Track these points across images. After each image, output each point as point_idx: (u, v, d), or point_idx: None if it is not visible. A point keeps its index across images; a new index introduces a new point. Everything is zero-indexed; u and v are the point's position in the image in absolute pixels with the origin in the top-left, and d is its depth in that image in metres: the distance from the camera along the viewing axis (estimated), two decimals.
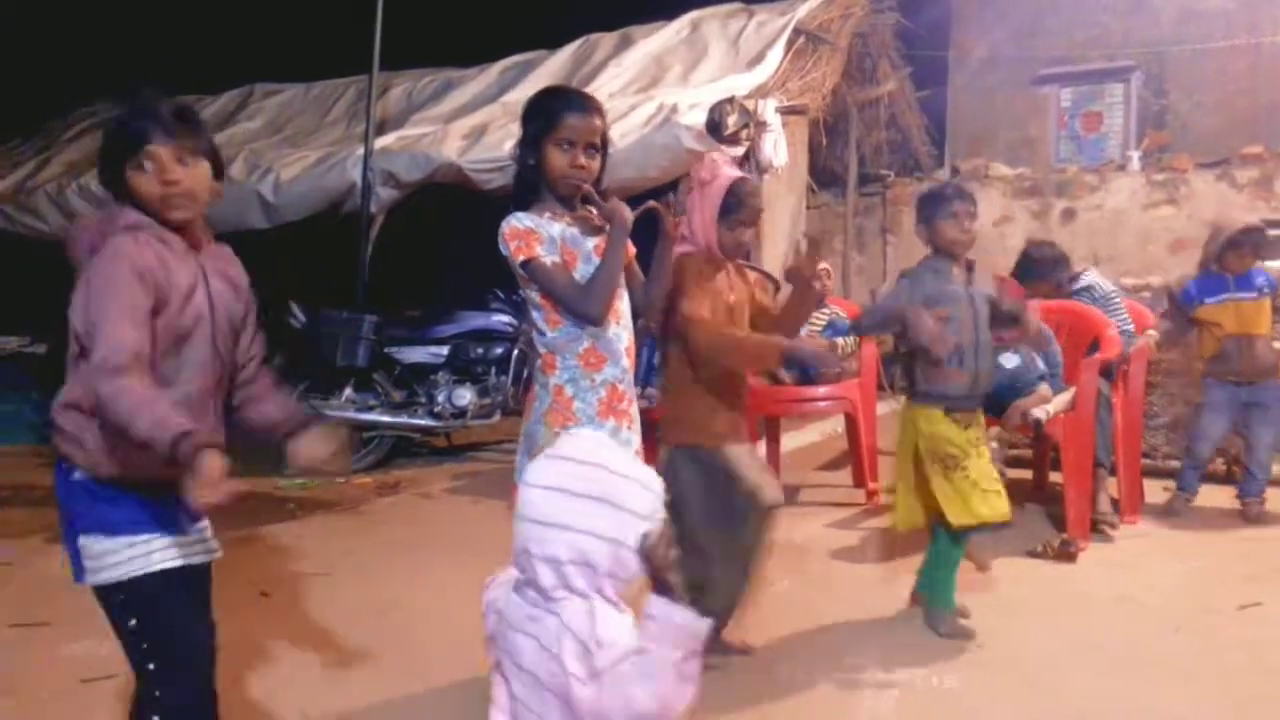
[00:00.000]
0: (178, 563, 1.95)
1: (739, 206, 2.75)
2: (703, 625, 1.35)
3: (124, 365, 1.76)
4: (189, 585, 2.00)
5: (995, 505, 3.14)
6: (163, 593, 1.93)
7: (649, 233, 2.48)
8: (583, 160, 2.38)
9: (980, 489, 3.13)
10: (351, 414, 5.94)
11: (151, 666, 1.94)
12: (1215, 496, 4.92)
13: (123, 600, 1.92)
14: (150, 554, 1.92)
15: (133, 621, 1.93)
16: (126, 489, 1.90)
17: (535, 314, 2.44)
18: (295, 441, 2.06)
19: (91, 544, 1.90)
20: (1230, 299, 4.50)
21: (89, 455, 1.88)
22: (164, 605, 1.94)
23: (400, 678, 3.01)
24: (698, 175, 2.83)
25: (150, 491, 1.92)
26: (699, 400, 2.82)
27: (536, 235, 2.34)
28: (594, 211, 2.41)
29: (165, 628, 1.95)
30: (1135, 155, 9.24)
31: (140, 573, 1.90)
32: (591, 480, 1.37)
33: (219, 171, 1.98)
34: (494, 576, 1.55)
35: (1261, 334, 4.48)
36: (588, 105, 2.41)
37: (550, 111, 2.38)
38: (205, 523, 2.07)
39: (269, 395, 2.14)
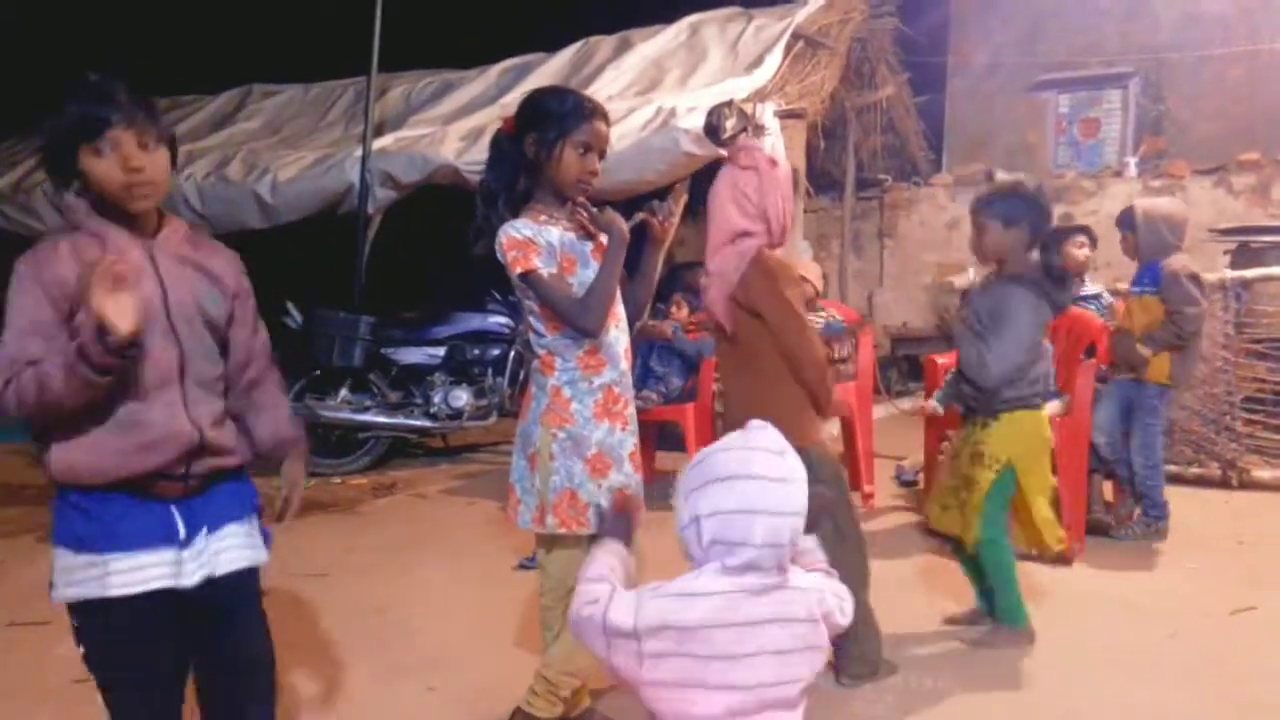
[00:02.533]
0: (138, 589, 1.76)
1: (798, 188, 2.80)
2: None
3: (14, 374, 1.68)
4: (154, 612, 1.79)
5: None
6: (112, 622, 1.77)
7: (636, 235, 2.48)
8: (596, 166, 2.39)
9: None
10: (347, 415, 5.94)
11: (102, 698, 1.83)
12: (1208, 500, 4.93)
13: (76, 624, 1.79)
14: (106, 577, 1.75)
15: (82, 648, 1.80)
16: (100, 496, 1.76)
17: (534, 320, 2.43)
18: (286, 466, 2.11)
19: (57, 557, 1.78)
20: (1137, 290, 4.36)
21: (47, 461, 1.77)
22: (112, 635, 1.78)
23: (397, 677, 3.01)
24: (756, 162, 2.76)
25: (130, 494, 1.77)
26: (793, 398, 2.76)
27: (535, 246, 2.32)
28: (585, 215, 2.41)
29: (113, 660, 1.81)
30: (1133, 161, 9.25)
31: (93, 596, 1.75)
32: (784, 466, 1.45)
33: (174, 160, 1.87)
34: (614, 603, 1.48)
35: (1130, 329, 4.30)
36: (606, 113, 2.42)
37: (576, 113, 2.36)
38: (206, 535, 1.87)
39: (266, 409, 2.05)
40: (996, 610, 3.27)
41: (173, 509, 1.82)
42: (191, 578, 1.82)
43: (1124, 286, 5.43)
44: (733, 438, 1.48)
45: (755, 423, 1.50)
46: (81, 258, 1.74)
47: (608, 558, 1.60)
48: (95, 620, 1.78)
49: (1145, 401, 4.28)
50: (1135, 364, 4.25)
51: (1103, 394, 4.43)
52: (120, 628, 1.78)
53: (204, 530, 1.86)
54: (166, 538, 1.80)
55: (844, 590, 1.57)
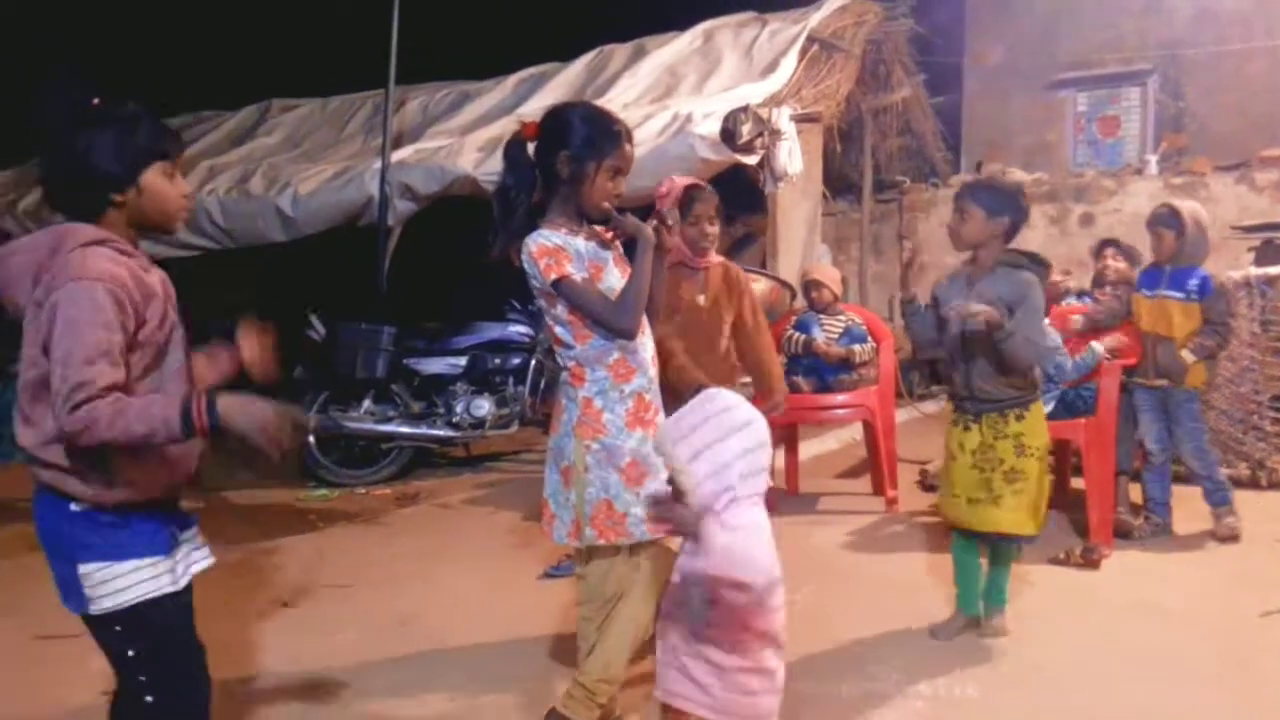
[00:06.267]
0: (182, 584, 1.94)
1: (691, 205, 3.38)
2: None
3: (88, 398, 1.68)
4: (188, 605, 1.98)
5: (959, 512, 3.22)
6: (164, 619, 1.90)
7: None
8: (623, 188, 2.41)
9: (951, 494, 3.23)
10: (371, 425, 5.97)
11: (150, 699, 1.89)
12: (1237, 501, 4.86)
13: (120, 629, 1.87)
14: (158, 577, 1.88)
15: (131, 651, 1.88)
16: (131, 510, 1.86)
17: (561, 330, 2.41)
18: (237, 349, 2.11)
19: (94, 571, 1.83)
20: (1160, 294, 4.24)
21: (91, 486, 1.81)
22: (165, 632, 1.91)
23: (421, 688, 3.02)
24: (658, 192, 3.39)
25: (152, 508, 1.89)
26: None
27: (566, 253, 2.32)
28: (612, 223, 2.42)
29: (167, 657, 1.92)
30: (1153, 159, 9.18)
31: (146, 597, 1.86)
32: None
33: None
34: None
35: (1170, 337, 4.20)
36: (630, 135, 2.43)
37: (612, 137, 2.36)
38: (195, 529, 2.04)
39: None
40: (997, 596, 3.31)
41: (170, 514, 1.96)
42: (187, 575, 1.99)
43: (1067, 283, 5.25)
44: (714, 401, 1.89)
45: (709, 390, 1.94)
46: (130, 268, 1.82)
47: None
48: (146, 620, 1.87)
49: (1185, 407, 4.25)
50: (1176, 371, 4.19)
51: (1140, 406, 4.36)
52: (170, 623, 1.91)
53: (183, 532, 2.00)
54: (177, 541, 1.96)
55: None
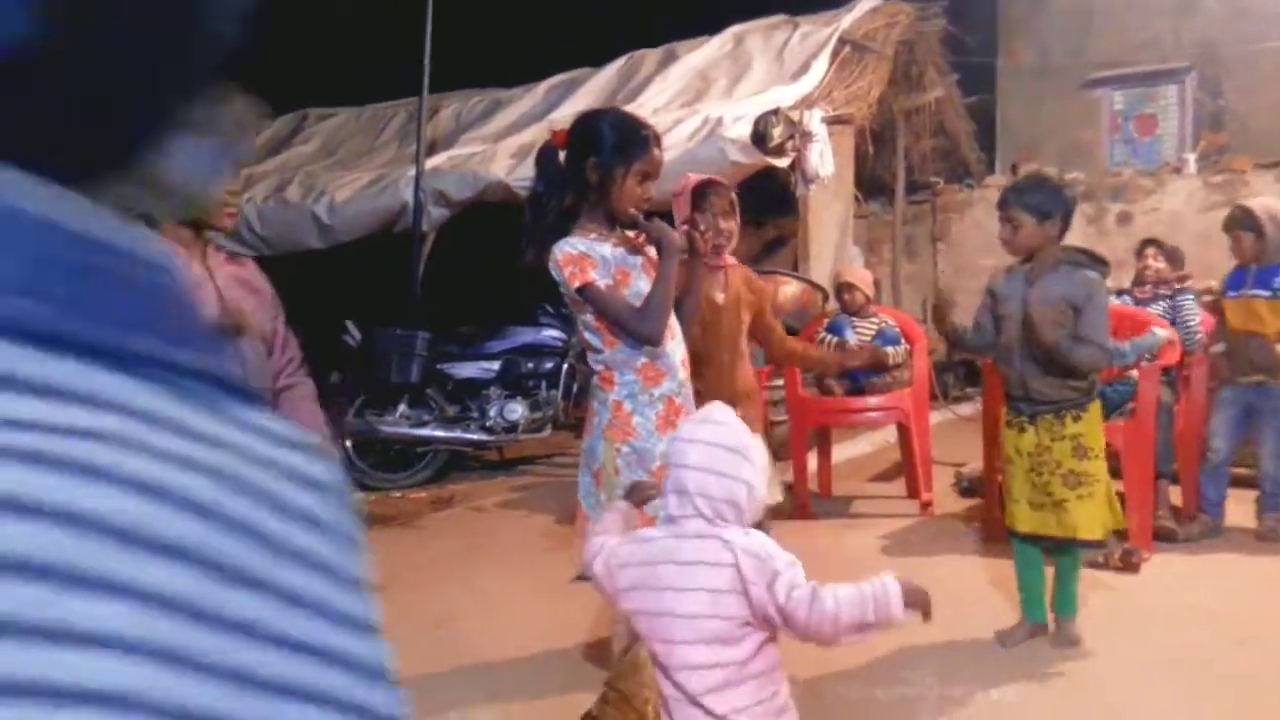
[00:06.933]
0: None
1: (703, 199, 3.13)
2: None
3: None
4: None
5: (1017, 516, 3.18)
6: None
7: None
8: (652, 193, 2.43)
9: (1011, 497, 3.20)
10: (406, 429, 6.04)
11: None
12: None
13: None
14: None
15: None
16: None
17: (590, 335, 2.44)
18: None
19: None
20: (1246, 294, 4.23)
21: None
22: None
23: (457, 690, 3.05)
24: (672, 192, 3.17)
25: None
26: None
27: (590, 260, 2.35)
28: (639, 229, 2.44)
29: None
30: (1191, 158, 9.04)
31: None
32: (734, 437, 1.75)
33: None
34: (596, 547, 1.88)
35: (1262, 333, 4.17)
36: (659, 139, 2.44)
37: (640, 142, 2.38)
38: None
39: (300, 405, 2.16)
40: (1066, 605, 3.23)
41: None
42: None
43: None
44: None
45: (713, 403, 1.90)
46: None
47: (613, 514, 1.99)
48: None
49: (1267, 401, 4.21)
50: (1272, 366, 4.16)
51: (1221, 401, 4.32)
52: None
53: None
54: None
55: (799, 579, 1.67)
